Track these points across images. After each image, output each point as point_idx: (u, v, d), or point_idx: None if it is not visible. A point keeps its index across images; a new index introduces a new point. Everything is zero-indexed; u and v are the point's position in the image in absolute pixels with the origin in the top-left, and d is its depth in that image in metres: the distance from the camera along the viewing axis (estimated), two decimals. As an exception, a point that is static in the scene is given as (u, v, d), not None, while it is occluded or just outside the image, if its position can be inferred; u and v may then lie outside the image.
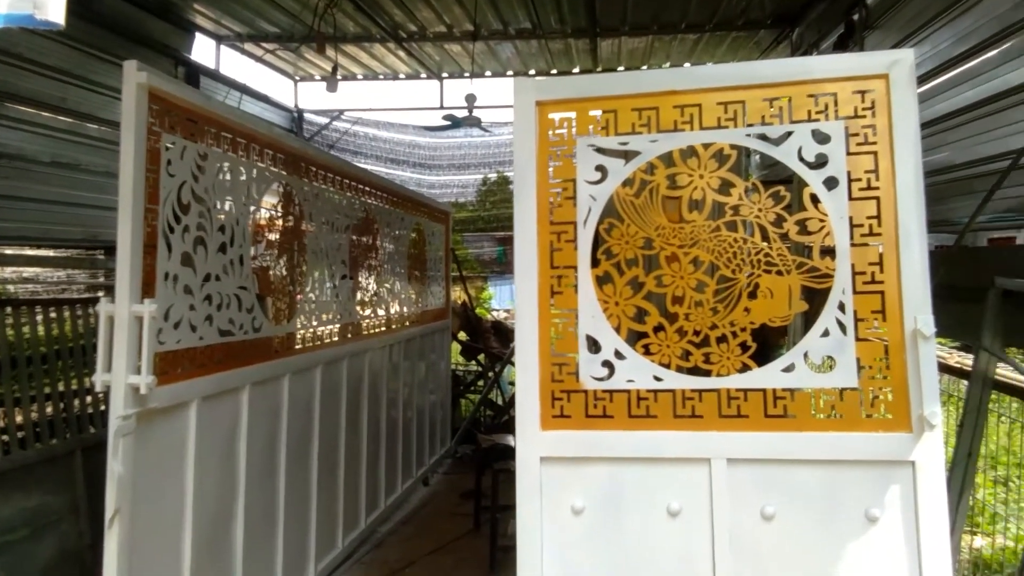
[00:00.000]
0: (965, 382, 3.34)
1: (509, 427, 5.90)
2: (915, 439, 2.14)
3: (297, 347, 3.97)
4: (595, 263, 2.38)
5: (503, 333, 8.48)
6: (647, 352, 2.34)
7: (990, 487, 4.57)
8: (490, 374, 8.23)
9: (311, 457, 4.17)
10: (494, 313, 11.95)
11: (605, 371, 2.34)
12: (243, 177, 3.38)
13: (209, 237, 3.04)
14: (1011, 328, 2.86)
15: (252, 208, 3.45)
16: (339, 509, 4.59)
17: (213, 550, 3.20)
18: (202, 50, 11.14)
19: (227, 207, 3.22)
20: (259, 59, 7.71)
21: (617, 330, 2.35)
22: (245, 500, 3.40)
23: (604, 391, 2.34)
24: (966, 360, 3.56)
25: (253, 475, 3.47)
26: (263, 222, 3.67)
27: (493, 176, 11.53)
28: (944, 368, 3.62)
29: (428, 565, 4.83)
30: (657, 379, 2.31)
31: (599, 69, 8.33)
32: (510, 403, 7.65)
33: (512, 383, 8.72)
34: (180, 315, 2.86)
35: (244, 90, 7.65)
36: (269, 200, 3.73)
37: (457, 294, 8.86)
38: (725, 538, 2.22)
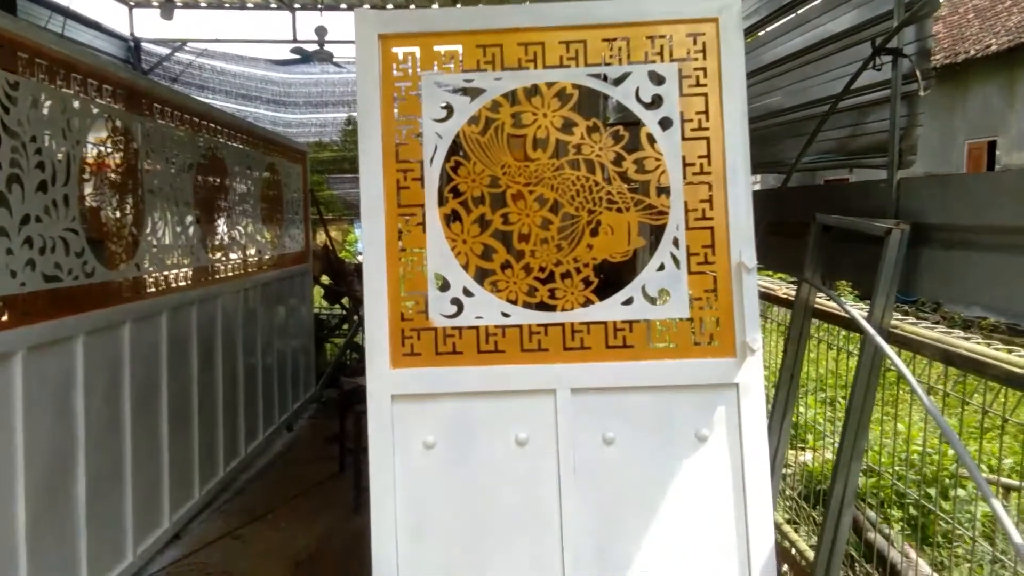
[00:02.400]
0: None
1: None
2: (739, 363, 2.31)
3: (138, 293, 3.76)
4: (442, 202, 2.39)
5: (367, 276, 8.34)
6: (495, 289, 2.38)
7: (817, 407, 5.02)
8: (355, 317, 8.12)
9: (160, 407, 4.01)
10: (360, 256, 11.72)
11: (454, 308, 2.37)
12: (64, 110, 3.10)
13: (26, 175, 2.79)
14: (830, 261, 3.11)
15: (77, 144, 3.19)
16: (194, 458, 4.46)
17: (52, 507, 3.03)
18: (21, -32, 9.99)
19: (47, 142, 2.96)
20: (87, -19, 7.01)
21: (465, 268, 2.38)
22: (86, 453, 3.23)
23: (453, 328, 2.37)
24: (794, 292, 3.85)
25: (94, 427, 3.30)
26: (92, 160, 3.40)
27: (356, 115, 11.16)
28: (774, 299, 3.91)
29: (291, 510, 4.80)
30: (505, 315, 2.36)
31: (458, 4, 8.18)
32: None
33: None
34: (-5, 260, 2.63)
35: (69, 15, 6.96)
36: (98, 136, 3.45)
37: (319, 237, 8.63)
38: (570, 463, 2.33)
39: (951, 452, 3.86)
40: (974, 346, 2.16)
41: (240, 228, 5.36)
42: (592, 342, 2.36)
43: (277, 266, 6.17)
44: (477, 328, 2.37)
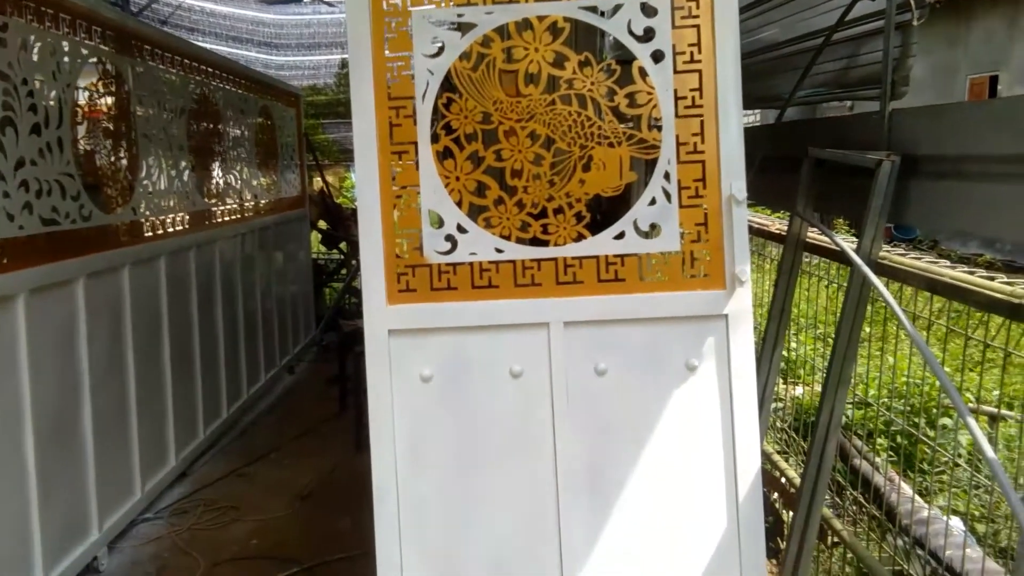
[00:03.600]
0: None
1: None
2: (728, 295, 2.35)
3: (135, 237, 3.79)
4: (435, 139, 2.39)
5: (364, 220, 8.36)
6: (488, 225, 2.40)
7: (811, 343, 5.10)
8: (353, 262, 8.16)
9: (162, 349, 4.08)
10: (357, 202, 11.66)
11: (448, 245, 2.40)
12: (54, 52, 3.08)
13: (19, 118, 2.79)
14: (823, 195, 3.13)
15: (68, 87, 3.17)
16: (198, 400, 4.55)
17: (61, 446, 3.12)
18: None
19: (38, 85, 2.95)
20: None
21: (459, 204, 2.40)
22: (92, 393, 3.31)
23: (448, 264, 2.40)
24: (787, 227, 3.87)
25: (98, 368, 3.37)
26: (84, 103, 3.39)
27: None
28: (768, 235, 3.94)
29: (294, 449, 4.91)
30: (498, 251, 2.39)
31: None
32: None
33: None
34: (-8, 203, 2.66)
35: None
36: (90, 79, 3.44)
37: (315, 182, 8.61)
38: (563, 394, 2.39)
39: (939, 383, 3.95)
40: (957, 273, 2.20)
41: (235, 173, 5.35)
42: (584, 276, 2.40)
43: (274, 211, 6.18)
44: (471, 264, 2.40)
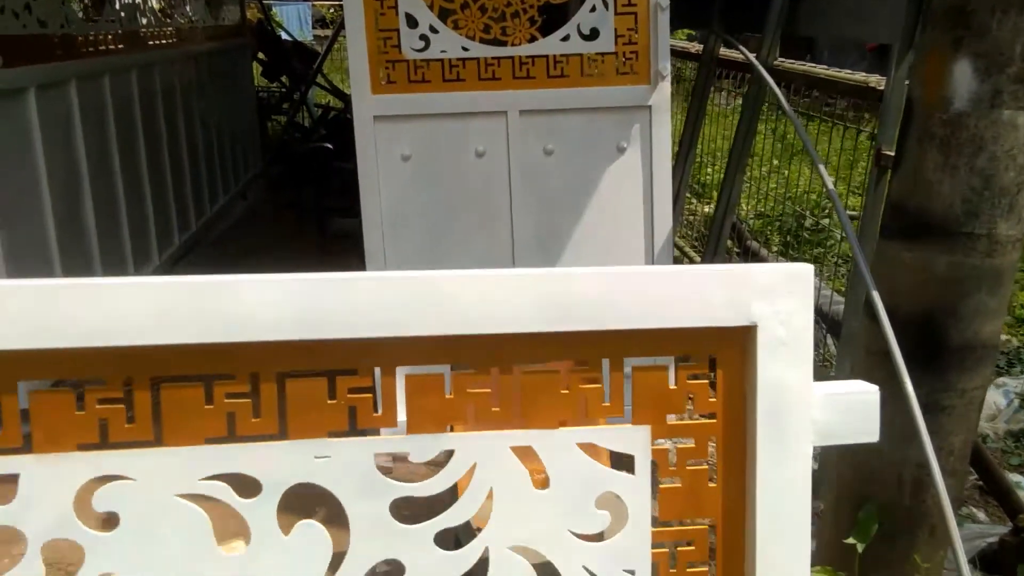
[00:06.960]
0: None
1: (324, 140, 6.29)
2: (652, 88, 2.90)
3: (111, 46, 4.05)
4: (409, -53, 2.78)
5: (304, 53, 8.46)
6: (456, 27, 2.85)
7: (721, 172, 5.78)
8: (295, 96, 8.31)
9: (140, 157, 4.42)
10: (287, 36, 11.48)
11: (422, 43, 2.84)
12: None
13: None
14: (733, 15, 3.65)
15: None
16: (171, 210, 4.95)
17: (71, 231, 3.54)
18: None
19: None
20: None
21: (431, 8, 2.83)
22: (91, 188, 3.69)
23: (422, 60, 2.86)
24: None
25: (93, 165, 3.73)
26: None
27: None
28: (687, 55, 4.47)
29: (262, 256, 5.38)
30: (465, 49, 2.86)
31: None
32: (319, 122, 7.89)
33: (318, 105, 8.88)
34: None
35: None
36: None
37: (251, 12, 8.55)
38: (518, 170, 2.95)
39: (822, 191, 4.68)
40: (828, 71, 2.80)
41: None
42: (536, 72, 2.90)
43: (217, 37, 6.32)
44: (442, 60, 2.86)
